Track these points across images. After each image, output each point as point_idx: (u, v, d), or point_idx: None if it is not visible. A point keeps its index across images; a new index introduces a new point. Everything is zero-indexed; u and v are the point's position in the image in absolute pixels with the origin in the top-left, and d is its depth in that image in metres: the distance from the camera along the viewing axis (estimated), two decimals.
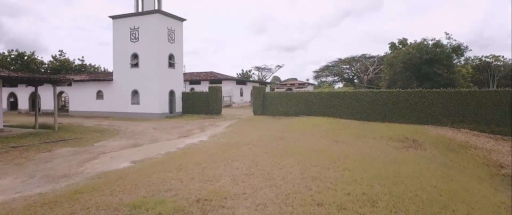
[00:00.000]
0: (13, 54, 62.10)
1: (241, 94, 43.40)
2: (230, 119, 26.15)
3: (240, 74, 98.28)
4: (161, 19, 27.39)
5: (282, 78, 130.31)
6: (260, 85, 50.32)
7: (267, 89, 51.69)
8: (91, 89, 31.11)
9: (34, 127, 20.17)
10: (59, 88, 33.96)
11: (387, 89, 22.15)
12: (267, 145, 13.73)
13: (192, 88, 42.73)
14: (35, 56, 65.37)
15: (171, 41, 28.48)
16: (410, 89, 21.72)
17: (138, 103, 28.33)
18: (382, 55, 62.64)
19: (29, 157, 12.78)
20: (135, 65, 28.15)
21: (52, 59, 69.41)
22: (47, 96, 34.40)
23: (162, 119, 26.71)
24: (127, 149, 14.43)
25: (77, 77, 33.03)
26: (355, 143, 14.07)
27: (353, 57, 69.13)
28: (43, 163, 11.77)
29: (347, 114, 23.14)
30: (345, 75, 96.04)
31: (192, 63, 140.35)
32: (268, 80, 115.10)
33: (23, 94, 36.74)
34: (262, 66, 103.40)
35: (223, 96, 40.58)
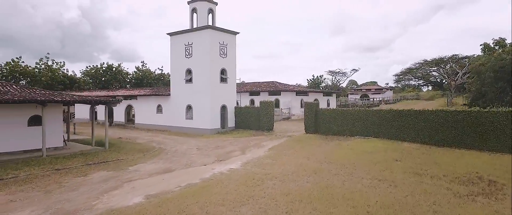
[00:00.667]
0: (104, 67, 70.21)
1: (302, 106, 41.45)
2: (279, 137, 24.66)
3: (311, 80, 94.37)
4: (213, 35, 27.35)
5: (360, 82, 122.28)
6: (325, 96, 47.96)
7: (332, 101, 48.55)
8: (152, 103, 32.74)
9: (90, 143, 21.57)
10: (127, 102, 36.60)
11: (465, 109, 18.12)
12: (295, 181, 12.03)
13: (252, 100, 42.34)
14: (121, 68, 73.02)
15: (223, 55, 28.26)
16: (503, 109, 17.26)
17: (191, 118, 28.72)
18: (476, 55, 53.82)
19: (62, 183, 13.22)
20: (189, 80, 28.62)
21: (135, 70, 76.78)
22: (118, 110, 37.40)
23: (213, 135, 26.52)
24: (156, 176, 14.12)
25: (141, 92, 35.16)
26: (404, 185, 11.40)
27: (442, 58, 60.43)
28: (68, 192, 11.97)
29: (412, 136, 19.73)
30: (432, 79, 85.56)
31: (266, 68, 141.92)
32: (344, 85, 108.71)
33: (101, 107, 40.60)
34: (336, 70, 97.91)
35: (282, 109, 39.21)
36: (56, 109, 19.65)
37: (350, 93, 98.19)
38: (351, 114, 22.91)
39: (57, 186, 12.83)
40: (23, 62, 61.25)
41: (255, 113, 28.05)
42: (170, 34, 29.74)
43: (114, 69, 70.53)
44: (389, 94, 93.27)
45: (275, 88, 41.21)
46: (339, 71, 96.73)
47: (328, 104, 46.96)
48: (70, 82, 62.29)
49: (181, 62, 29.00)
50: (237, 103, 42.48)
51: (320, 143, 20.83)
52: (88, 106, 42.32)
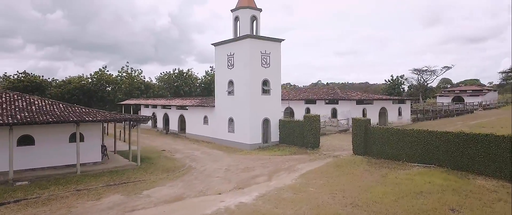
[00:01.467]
0: (176, 72, 74.68)
1: (364, 115, 37.45)
2: (322, 157, 22.10)
3: (389, 81, 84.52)
4: (253, 44, 25.99)
5: (457, 80, 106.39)
6: (396, 103, 42.33)
7: (405, 109, 42.82)
8: (200, 114, 32.81)
9: (128, 157, 22.06)
10: (180, 111, 37.47)
11: None
12: None
13: (308, 109, 39.81)
14: (191, 73, 76.77)
15: (265, 65, 26.68)
16: None
17: (233, 131, 27.80)
18: None
19: (72, 208, 13.24)
20: (231, 92, 27.74)
21: (205, 74, 79.98)
22: (173, 118, 38.61)
23: (252, 151, 25.17)
24: (161, 206, 13.31)
25: (191, 102, 35.57)
26: None
27: None
28: None
29: (492, 169, 15.53)
30: None
31: (347, 66, 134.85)
32: (433, 85, 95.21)
33: (160, 114, 42.50)
34: (423, 68, 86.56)
35: (338, 120, 35.89)
36: (94, 126, 20.46)
37: (440, 95, 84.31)
38: (409, 136, 19.19)
39: (66, 211, 12.87)
40: (108, 71, 68.67)
41: (299, 127, 25.81)
42: (215, 44, 29.27)
43: (184, 74, 74.43)
44: (492, 97, 77.80)
45: (334, 96, 37.99)
46: (426, 69, 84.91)
47: (400, 113, 41.67)
48: (146, 88, 67.38)
49: (224, 73, 28.28)
50: (289, 113, 40.78)
51: (363, 171, 17.81)
52: (154, 112, 44.70)
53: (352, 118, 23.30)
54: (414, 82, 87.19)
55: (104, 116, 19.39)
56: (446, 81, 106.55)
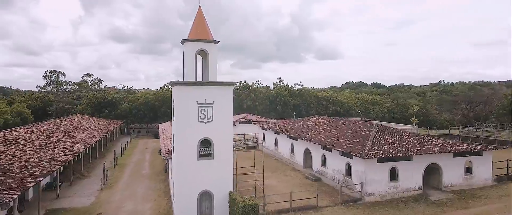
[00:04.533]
0: (241, 84, 71.61)
1: (395, 177, 25.24)
2: None
3: None
4: (183, 92, 19.42)
5: None
6: (459, 156, 25.85)
7: (482, 159, 27.49)
8: None
9: None
10: None
11: None
12: None
13: (324, 157, 29.68)
14: (257, 86, 72.35)
15: (204, 120, 19.64)
16: None
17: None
18: None
19: None
20: (169, 153, 21.66)
21: (273, 87, 74.37)
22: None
23: None
24: None
25: None
26: None
27: None
28: None
29: None
30: None
31: (484, 60, 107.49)
32: None
33: None
34: None
35: (354, 183, 24.91)
36: None
37: None
38: None
39: None
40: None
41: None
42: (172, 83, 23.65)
43: (249, 87, 70.51)
44: None
45: (345, 149, 26.91)
46: None
47: (469, 171, 27.11)
48: None
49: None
50: (305, 157, 30.82)
51: None
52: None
53: None
54: None
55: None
56: None
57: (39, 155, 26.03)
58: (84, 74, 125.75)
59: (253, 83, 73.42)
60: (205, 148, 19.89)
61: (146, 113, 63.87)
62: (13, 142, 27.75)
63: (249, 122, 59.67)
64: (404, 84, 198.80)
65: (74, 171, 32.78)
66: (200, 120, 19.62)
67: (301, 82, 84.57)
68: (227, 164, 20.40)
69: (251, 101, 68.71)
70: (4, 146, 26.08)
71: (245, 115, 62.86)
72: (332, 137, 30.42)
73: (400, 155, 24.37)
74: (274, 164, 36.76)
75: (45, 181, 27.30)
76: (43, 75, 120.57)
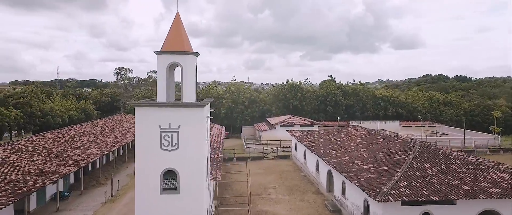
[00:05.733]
0: (287, 83, 67.26)
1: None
2: None
3: None
4: (143, 114, 16.55)
5: None
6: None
7: None
8: None
9: None
10: None
11: None
12: None
13: (343, 185, 24.19)
14: (304, 85, 67.20)
15: (168, 147, 16.63)
16: None
17: None
18: None
19: None
20: None
21: (323, 85, 68.42)
22: None
23: None
24: None
25: None
26: None
27: None
28: None
29: None
30: None
31: None
32: None
33: None
34: None
35: None
36: None
37: None
38: None
39: None
40: (219, 83, 69.73)
41: None
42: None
43: (296, 87, 65.66)
44: None
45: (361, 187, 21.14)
46: None
47: None
48: (250, 103, 63.92)
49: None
50: (328, 179, 25.53)
51: None
52: None
53: None
54: None
55: None
56: None
57: (44, 165, 26.10)
58: (150, 71, 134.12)
59: (300, 82, 68.32)
60: (170, 180, 16.92)
61: None
62: (30, 149, 28.46)
63: (290, 125, 55.40)
64: (497, 77, 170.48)
65: (91, 178, 33.03)
66: (163, 147, 16.65)
67: (354, 80, 76.58)
68: (196, 200, 17.15)
69: (298, 102, 63.93)
70: (17, 154, 26.75)
71: (288, 116, 58.63)
72: (357, 159, 24.93)
73: (435, 198, 18.23)
74: (297, 181, 32.40)
75: (52, 190, 27.48)
76: (113, 72, 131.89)
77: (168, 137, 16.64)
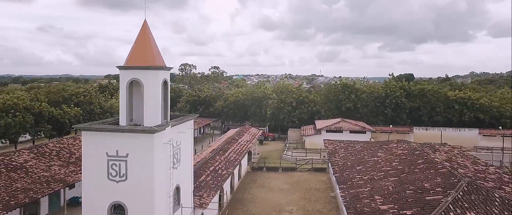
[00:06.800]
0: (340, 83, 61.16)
1: None
2: None
3: None
4: (91, 139, 14.65)
5: None
6: None
7: None
8: None
9: None
10: None
11: None
12: None
13: None
14: (360, 85, 60.24)
15: (116, 178, 14.51)
16: None
17: None
18: None
19: None
20: None
21: (384, 84, 60.48)
22: None
23: None
24: None
25: None
26: None
27: None
28: None
29: None
30: None
31: None
32: None
33: None
34: None
35: None
36: None
37: None
38: None
39: None
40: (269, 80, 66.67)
41: None
42: None
43: (349, 87, 59.05)
44: None
45: None
46: None
47: None
48: (298, 103, 59.88)
49: None
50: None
51: None
52: None
53: None
54: None
55: None
56: None
57: (58, 172, 26.71)
58: (212, 67, 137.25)
59: (354, 82, 61.35)
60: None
61: (236, 111, 62.53)
62: (53, 153, 29.58)
63: (338, 131, 49.87)
64: None
65: None
66: (110, 177, 14.65)
67: (439, 75, 65.94)
68: None
69: (352, 103, 57.44)
70: (38, 159, 27.94)
71: (337, 120, 52.88)
72: (379, 194, 19.76)
73: None
74: (321, 205, 28.00)
75: (70, 194, 28.10)
76: (179, 68, 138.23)
77: (116, 166, 14.56)
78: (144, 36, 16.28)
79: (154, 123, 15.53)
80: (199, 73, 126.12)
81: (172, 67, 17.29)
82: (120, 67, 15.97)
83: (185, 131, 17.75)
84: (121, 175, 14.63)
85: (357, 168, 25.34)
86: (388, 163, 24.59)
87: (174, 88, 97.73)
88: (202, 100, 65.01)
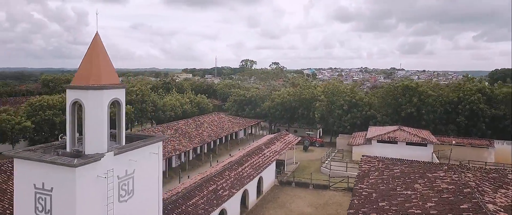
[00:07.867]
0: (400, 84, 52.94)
1: None
2: None
3: None
4: (21, 168, 13.25)
5: None
6: None
7: None
8: None
9: None
10: None
11: None
12: None
13: None
14: (426, 87, 51.19)
15: (42, 213, 12.85)
16: None
17: None
18: None
19: None
20: None
21: (457, 84, 50.48)
22: None
23: None
24: None
25: None
26: None
27: None
28: None
29: None
30: None
31: None
32: None
33: None
34: None
35: None
36: None
37: None
38: None
39: None
40: (318, 79, 61.29)
41: None
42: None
43: (411, 88, 50.46)
44: None
45: None
46: None
47: None
48: (350, 106, 53.89)
49: None
50: None
51: None
52: None
53: None
54: None
55: None
56: None
57: None
58: (272, 63, 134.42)
59: (417, 83, 52.15)
60: None
61: (283, 113, 58.93)
62: None
63: (393, 142, 43.02)
64: None
65: None
66: (37, 212, 13.07)
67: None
68: None
69: (414, 108, 49.17)
70: None
71: (393, 128, 45.70)
72: None
73: None
74: None
75: None
76: (239, 64, 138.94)
77: (42, 200, 12.94)
78: (93, 50, 14.31)
79: (97, 150, 13.55)
80: (260, 69, 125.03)
81: (125, 85, 15.11)
82: (66, 87, 14.37)
83: (145, 157, 15.47)
84: (47, 210, 12.96)
85: (380, 204, 20.07)
86: (421, 203, 18.88)
87: (227, 84, 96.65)
88: (248, 100, 63.00)
